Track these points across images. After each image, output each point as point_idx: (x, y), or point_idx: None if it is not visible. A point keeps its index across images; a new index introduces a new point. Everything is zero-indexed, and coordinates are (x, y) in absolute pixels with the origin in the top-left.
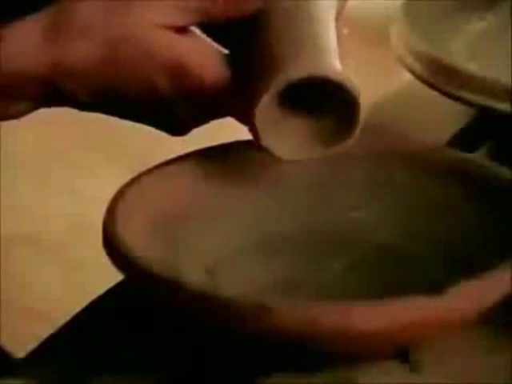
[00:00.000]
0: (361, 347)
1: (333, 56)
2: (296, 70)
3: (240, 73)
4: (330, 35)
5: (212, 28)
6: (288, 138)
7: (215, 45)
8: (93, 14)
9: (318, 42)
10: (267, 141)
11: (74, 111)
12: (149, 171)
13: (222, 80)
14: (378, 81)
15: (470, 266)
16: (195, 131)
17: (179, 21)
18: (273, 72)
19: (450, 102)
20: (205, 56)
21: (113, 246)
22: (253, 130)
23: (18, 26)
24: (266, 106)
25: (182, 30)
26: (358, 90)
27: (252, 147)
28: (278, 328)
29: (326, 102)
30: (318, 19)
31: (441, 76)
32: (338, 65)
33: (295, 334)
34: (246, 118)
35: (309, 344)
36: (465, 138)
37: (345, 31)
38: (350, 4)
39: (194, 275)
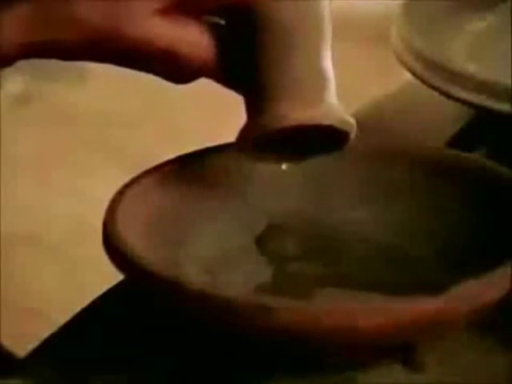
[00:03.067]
0: (361, 347)
1: (328, 93)
2: (289, 119)
3: (233, 62)
4: (327, 65)
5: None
6: (281, 149)
7: (207, 28)
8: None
9: (315, 78)
10: (259, 158)
11: (74, 111)
12: (149, 171)
13: (212, 65)
14: (378, 81)
15: (469, 266)
16: (196, 131)
17: (174, 5)
18: (265, 109)
19: (449, 102)
20: (195, 42)
21: (113, 245)
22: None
23: (8, 10)
24: (256, 141)
25: (175, 13)
26: (352, 124)
27: None
28: (279, 328)
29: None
30: (317, 44)
31: (441, 76)
32: (332, 105)
33: (295, 333)
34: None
35: (309, 344)
36: (464, 138)
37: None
38: (350, 4)
39: (193, 275)
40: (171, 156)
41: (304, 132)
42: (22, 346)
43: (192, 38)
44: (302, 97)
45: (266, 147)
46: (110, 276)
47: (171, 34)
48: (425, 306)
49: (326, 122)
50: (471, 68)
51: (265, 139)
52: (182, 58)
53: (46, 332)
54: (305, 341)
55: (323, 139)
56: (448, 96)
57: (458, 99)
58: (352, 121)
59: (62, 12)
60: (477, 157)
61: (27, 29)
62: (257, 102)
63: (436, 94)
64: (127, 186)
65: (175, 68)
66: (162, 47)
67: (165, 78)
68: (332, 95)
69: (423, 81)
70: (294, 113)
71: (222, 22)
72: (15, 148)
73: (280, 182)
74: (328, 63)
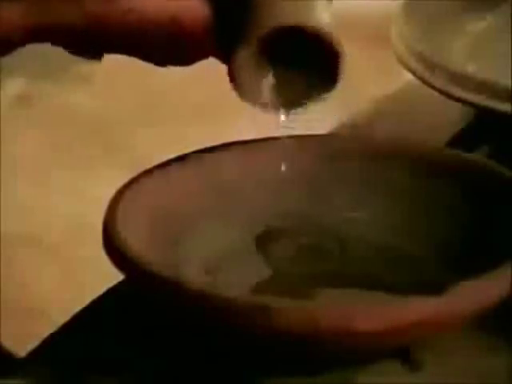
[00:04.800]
0: (361, 348)
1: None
2: (272, 21)
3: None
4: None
5: None
6: (269, 89)
7: None
8: None
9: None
10: (247, 93)
11: (75, 112)
12: (149, 171)
13: (212, 35)
14: (378, 81)
15: (470, 265)
16: (196, 131)
17: None
18: (250, 20)
19: (450, 102)
20: (197, 12)
21: (113, 245)
22: (232, 78)
23: None
24: (243, 59)
25: None
26: (338, 40)
27: (251, 147)
28: (278, 328)
29: (311, 54)
30: None
31: (441, 76)
32: (319, 14)
33: (295, 334)
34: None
35: (309, 344)
36: (465, 139)
37: None
38: (350, 4)
39: (194, 275)
40: (171, 156)
41: (295, 48)
42: (22, 346)
43: (193, 7)
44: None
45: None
46: (110, 276)
47: (172, 4)
48: (425, 306)
49: (317, 29)
50: (471, 68)
51: (258, 45)
52: (185, 28)
53: (45, 332)
54: (304, 341)
55: (317, 70)
56: (448, 96)
57: (458, 99)
58: (342, 47)
59: None
60: (477, 157)
61: (29, 11)
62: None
63: (436, 94)
64: (127, 186)
65: (178, 43)
66: (165, 19)
67: (168, 59)
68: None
69: (423, 81)
70: (287, 15)
71: None
72: (15, 148)
73: (279, 182)
74: None
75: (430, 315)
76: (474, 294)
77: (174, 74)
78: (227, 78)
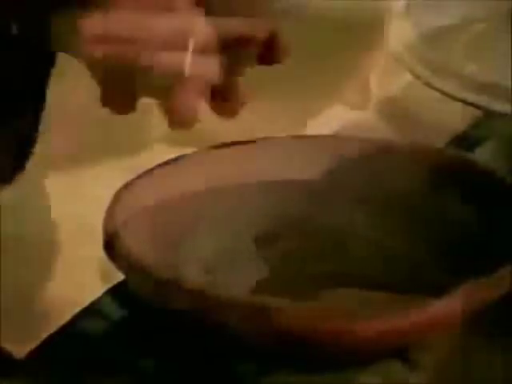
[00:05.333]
0: (361, 348)
1: None
2: None
3: None
4: None
5: None
6: None
7: None
8: None
9: None
10: None
11: (74, 111)
12: (149, 171)
13: None
14: (378, 81)
15: (470, 266)
16: (196, 132)
17: None
18: None
19: (450, 102)
20: None
21: (113, 246)
22: None
23: None
24: None
25: None
26: None
27: (251, 147)
28: (278, 328)
29: None
30: None
31: (441, 76)
32: None
33: (295, 334)
34: None
35: (308, 344)
36: (465, 139)
37: None
38: (350, 5)
39: (194, 275)
40: (171, 156)
41: None
42: (22, 346)
43: None
44: None
45: None
46: (110, 276)
47: None
48: (424, 309)
49: None
50: (471, 68)
51: None
52: None
53: (46, 332)
54: (304, 341)
55: None
56: (448, 96)
57: (458, 100)
58: None
59: None
60: (478, 158)
61: None
62: None
63: (437, 94)
64: (127, 186)
65: None
66: None
67: None
68: None
69: (424, 81)
70: None
71: None
72: None
73: (279, 182)
74: None
75: (430, 318)
76: (474, 294)
77: None
78: None
